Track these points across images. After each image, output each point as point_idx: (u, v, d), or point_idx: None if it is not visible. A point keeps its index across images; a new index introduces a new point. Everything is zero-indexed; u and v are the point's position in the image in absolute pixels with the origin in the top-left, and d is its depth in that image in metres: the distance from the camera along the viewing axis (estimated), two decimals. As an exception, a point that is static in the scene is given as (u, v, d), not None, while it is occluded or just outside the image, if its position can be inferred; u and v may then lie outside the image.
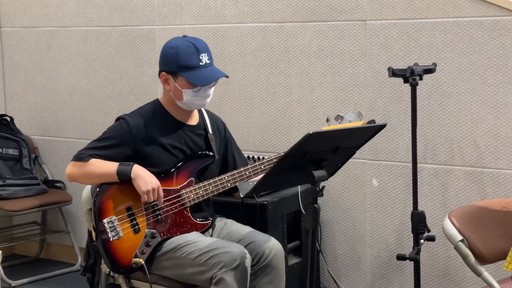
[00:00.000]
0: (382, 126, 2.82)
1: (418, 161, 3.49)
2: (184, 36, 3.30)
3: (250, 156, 4.04)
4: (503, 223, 2.90)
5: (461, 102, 3.71)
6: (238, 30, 4.32)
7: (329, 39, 4.03)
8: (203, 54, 3.22)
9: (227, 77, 3.27)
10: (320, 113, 4.08)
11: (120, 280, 3.29)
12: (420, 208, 3.51)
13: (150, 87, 4.65)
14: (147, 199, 3.18)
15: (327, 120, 3.21)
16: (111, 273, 3.31)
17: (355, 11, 3.93)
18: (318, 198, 2.70)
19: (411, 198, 3.48)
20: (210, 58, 3.25)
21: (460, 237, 2.78)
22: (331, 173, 2.82)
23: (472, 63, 3.66)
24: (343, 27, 3.98)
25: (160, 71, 3.28)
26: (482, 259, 2.81)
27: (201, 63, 3.21)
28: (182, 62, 3.20)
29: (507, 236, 2.86)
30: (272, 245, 3.25)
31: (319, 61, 4.08)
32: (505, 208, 2.92)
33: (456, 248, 2.78)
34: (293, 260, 3.88)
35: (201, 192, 3.27)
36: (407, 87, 3.49)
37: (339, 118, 3.21)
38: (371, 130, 2.84)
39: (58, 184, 5.03)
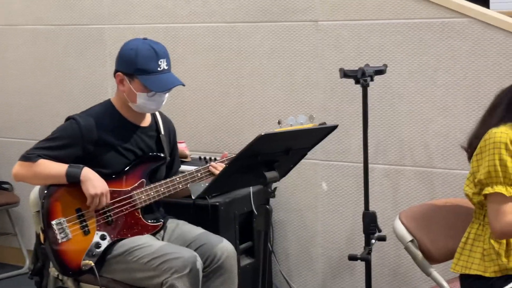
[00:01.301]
0: (333, 127, 2.82)
1: (369, 162, 3.51)
2: (145, 39, 3.26)
3: (202, 157, 4.02)
4: (451, 223, 2.93)
5: (411, 103, 3.74)
6: (190, 30, 4.30)
7: (281, 40, 4.03)
8: (162, 60, 3.19)
9: (183, 85, 3.25)
10: (272, 114, 4.08)
11: (69, 283, 3.25)
12: (371, 208, 3.53)
13: (100, 87, 4.60)
14: (92, 203, 3.14)
15: (279, 123, 3.21)
16: (60, 276, 3.26)
17: (307, 11, 3.94)
18: (270, 199, 2.70)
19: (363, 198, 3.50)
20: (168, 64, 3.22)
21: (410, 238, 2.80)
22: (283, 174, 2.81)
23: (422, 64, 3.69)
24: (295, 27, 3.99)
25: (116, 71, 3.24)
26: (432, 259, 2.84)
27: (159, 69, 3.18)
28: (140, 65, 3.16)
29: (455, 236, 2.88)
30: (224, 246, 3.24)
31: (271, 62, 4.07)
32: (453, 208, 2.95)
33: (407, 249, 2.80)
34: (245, 261, 3.87)
35: (152, 193, 3.24)
36: (358, 88, 3.50)
37: (290, 121, 3.22)
38: (322, 131, 2.85)
39: (5, 186, 4.94)
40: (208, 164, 3.28)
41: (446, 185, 3.68)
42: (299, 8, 3.96)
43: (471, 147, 2.70)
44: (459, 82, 3.61)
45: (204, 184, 3.21)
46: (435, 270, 2.77)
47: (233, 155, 2.76)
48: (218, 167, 3.25)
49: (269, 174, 2.64)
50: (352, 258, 3.47)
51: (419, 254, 2.78)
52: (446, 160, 3.68)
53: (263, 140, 2.53)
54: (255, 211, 3.80)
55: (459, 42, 3.59)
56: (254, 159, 2.62)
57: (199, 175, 3.27)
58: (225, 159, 3.33)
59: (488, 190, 2.57)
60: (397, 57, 3.75)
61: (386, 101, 3.80)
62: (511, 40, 3.46)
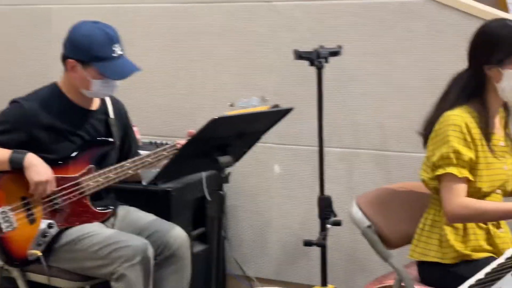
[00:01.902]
0: (288, 110, 2.76)
1: (324, 145, 3.44)
2: (95, 22, 3.14)
3: (153, 141, 3.91)
4: (408, 208, 2.88)
5: (367, 85, 3.68)
6: (140, 11, 4.17)
7: (234, 21, 3.94)
8: (116, 45, 3.09)
9: (140, 70, 3.15)
10: (224, 97, 3.97)
11: (15, 273, 3.13)
12: (326, 192, 3.47)
13: (47, 70, 4.44)
14: (36, 191, 3.01)
15: (231, 105, 3.12)
16: (5, 266, 3.13)
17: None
18: (224, 184, 2.62)
19: (318, 182, 3.43)
20: (122, 48, 3.12)
21: (367, 223, 2.74)
22: (237, 158, 2.74)
23: (378, 45, 3.63)
24: (248, 8, 3.89)
25: (66, 57, 3.11)
26: (389, 244, 2.78)
27: (113, 54, 3.07)
28: (95, 52, 3.05)
29: (412, 221, 2.83)
30: (177, 234, 3.15)
31: (223, 43, 3.98)
32: (410, 193, 2.90)
33: (364, 234, 2.74)
34: (198, 248, 3.80)
35: (101, 180, 3.13)
36: (313, 70, 3.43)
37: (242, 103, 3.13)
38: (277, 115, 2.78)
39: None
40: (160, 148, 3.17)
41: (402, 168, 3.64)
42: (251, -12, 3.87)
43: (426, 132, 2.65)
44: (416, 64, 3.56)
45: (155, 170, 3.10)
46: (392, 255, 2.71)
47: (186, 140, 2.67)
48: None
49: (223, 159, 2.59)
50: (308, 243, 3.41)
51: (376, 239, 2.72)
52: (401, 143, 3.63)
53: (216, 124, 2.46)
54: (208, 197, 3.72)
55: (416, 23, 3.54)
56: (207, 144, 2.54)
57: (149, 160, 3.16)
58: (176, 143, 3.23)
59: (440, 171, 2.52)
60: (352, 38, 3.68)
61: (341, 83, 3.74)
62: (467, 21, 3.41)
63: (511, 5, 4.76)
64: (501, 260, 1.89)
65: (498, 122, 2.66)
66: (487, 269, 1.80)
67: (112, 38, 3.09)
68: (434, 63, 3.51)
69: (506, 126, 2.70)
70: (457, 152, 2.50)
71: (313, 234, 3.79)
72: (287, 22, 3.80)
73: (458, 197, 2.51)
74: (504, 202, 2.58)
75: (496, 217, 2.57)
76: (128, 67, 3.14)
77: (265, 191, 3.99)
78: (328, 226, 3.45)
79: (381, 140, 3.67)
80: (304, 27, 3.77)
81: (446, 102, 2.60)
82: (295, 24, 3.79)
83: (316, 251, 3.74)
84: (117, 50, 3.10)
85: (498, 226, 2.61)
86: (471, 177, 2.53)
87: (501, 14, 3.40)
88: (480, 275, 1.77)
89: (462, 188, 2.52)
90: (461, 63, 3.38)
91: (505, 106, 2.68)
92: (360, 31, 3.66)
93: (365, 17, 3.64)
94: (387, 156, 3.67)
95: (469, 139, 2.51)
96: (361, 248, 3.76)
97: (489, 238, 2.57)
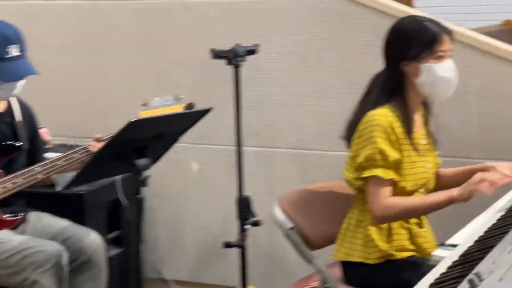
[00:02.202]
0: (206, 111, 2.70)
1: (241, 144, 3.39)
2: None
3: (64, 143, 3.79)
4: (330, 208, 2.86)
5: (284, 84, 3.65)
6: (47, 8, 4.02)
7: (148, 19, 3.84)
8: (12, 46, 2.94)
9: (36, 74, 3.00)
10: (139, 97, 3.86)
11: None
12: (244, 192, 3.42)
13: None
14: None
15: (144, 105, 3.02)
16: None
17: (174, -11, 3.77)
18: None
19: (236, 182, 3.38)
20: (22, 49, 2.97)
21: (290, 225, 2.70)
22: (154, 160, 2.66)
23: (295, 44, 3.61)
24: (162, 6, 3.80)
25: None
26: (312, 245, 2.75)
27: (6, 56, 2.93)
28: None
29: (335, 221, 2.82)
30: (92, 239, 3.05)
31: (137, 42, 3.89)
32: (332, 192, 2.88)
33: (287, 236, 2.70)
34: (114, 251, 3.69)
35: (9, 185, 2.98)
36: (229, 69, 3.37)
37: (155, 102, 3.04)
38: (196, 115, 2.72)
39: None
40: (71, 151, 3.05)
41: (320, 166, 3.62)
42: (166, -15, 3.78)
43: (349, 134, 2.63)
44: (332, 62, 3.55)
45: (70, 175, 2.98)
46: (315, 257, 2.68)
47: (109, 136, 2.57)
48: (98, 145, 2.99)
49: (140, 162, 2.51)
50: (227, 245, 3.35)
51: (299, 241, 2.68)
52: (319, 142, 3.62)
53: (134, 127, 2.38)
54: (123, 199, 3.62)
55: (332, 22, 3.52)
56: (124, 146, 2.45)
57: (60, 163, 3.03)
58: (106, 137, 3.09)
59: (367, 173, 2.51)
60: (269, 36, 3.64)
61: (258, 81, 3.70)
62: (384, 20, 3.41)
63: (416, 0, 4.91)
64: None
65: (419, 120, 2.67)
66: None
67: (8, 38, 2.95)
68: (350, 62, 3.51)
69: (427, 124, 2.71)
70: (382, 153, 2.49)
71: (232, 235, 3.74)
72: (202, 20, 3.73)
73: (385, 199, 2.50)
74: (428, 195, 2.58)
75: (424, 211, 2.56)
76: (23, 69, 2.99)
77: (182, 192, 3.92)
78: (247, 226, 3.41)
79: (298, 139, 3.65)
80: (220, 25, 3.71)
81: (368, 103, 2.58)
82: (210, 22, 3.72)
83: (234, 252, 3.68)
84: (13, 51, 2.95)
85: (420, 225, 2.61)
86: (397, 178, 2.53)
87: (414, 12, 3.42)
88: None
89: (389, 189, 2.52)
90: (377, 61, 3.40)
91: (424, 103, 2.69)
92: (277, 29, 3.62)
93: (281, 16, 3.60)
94: (305, 154, 3.65)
95: (393, 138, 2.50)
96: (280, 248, 3.73)
97: (412, 238, 2.57)
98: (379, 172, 2.50)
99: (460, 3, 6.15)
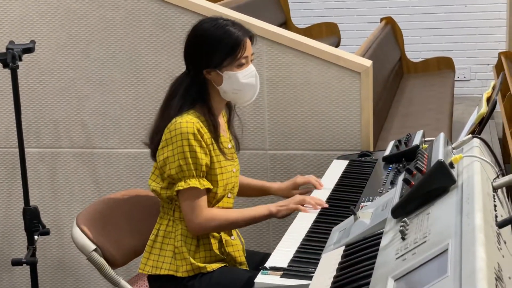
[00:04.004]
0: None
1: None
2: None
3: None
4: (130, 218, 2.71)
5: (63, 79, 3.41)
6: None
7: None
8: None
9: None
10: None
11: None
12: (29, 196, 3.18)
13: None
14: None
15: None
16: None
17: None
18: None
19: (16, 188, 3.12)
20: None
21: (93, 247, 2.50)
22: None
23: (72, 36, 3.37)
24: None
25: None
26: (117, 264, 2.59)
27: None
28: None
29: (136, 232, 2.69)
30: None
31: None
32: (135, 202, 2.73)
33: (90, 259, 2.51)
34: None
35: None
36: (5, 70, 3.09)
37: None
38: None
39: None
40: None
41: (108, 165, 3.45)
42: None
43: (153, 143, 2.49)
44: (115, 55, 3.36)
45: None
46: (122, 279, 2.52)
47: None
48: None
49: None
50: (17, 263, 3.11)
51: (104, 263, 2.50)
52: (106, 140, 3.43)
53: None
54: None
55: (111, 13, 3.32)
56: None
57: None
58: None
59: (181, 185, 2.39)
60: (43, 29, 3.37)
61: (34, 78, 3.43)
62: (166, 10, 3.28)
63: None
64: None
65: (223, 124, 2.59)
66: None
67: None
68: (134, 54, 3.34)
69: (230, 127, 2.64)
70: (195, 163, 2.38)
71: (18, 247, 3.50)
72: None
73: (203, 210, 2.41)
74: (246, 208, 2.53)
75: (242, 224, 2.52)
76: None
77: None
78: (36, 237, 3.18)
79: (84, 137, 3.44)
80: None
81: (171, 110, 2.45)
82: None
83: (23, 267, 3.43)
84: None
85: (230, 234, 2.55)
86: (211, 187, 2.44)
87: (198, 1, 3.31)
88: None
89: (204, 199, 2.43)
90: (162, 53, 3.28)
91: (227, 105, 2.61)
92: (51, 21, 3.36)
93: (55, 6, 3.34)
94: (91, 153, 3.45)
95: (204, 145, 2.40)
96: (69, 253, 3.54)
97: (222, 247, 2.50)
98: (194, 182, 2.40)
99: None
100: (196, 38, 2.48)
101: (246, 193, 2.79)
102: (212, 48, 2.44)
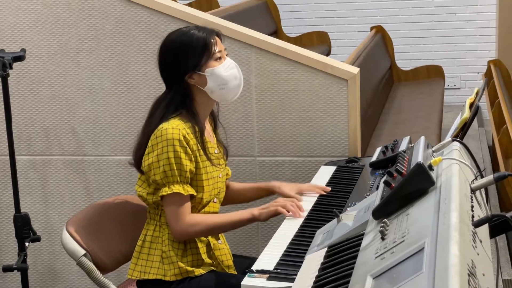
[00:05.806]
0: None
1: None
2: None
3: None
4: (120, 223, 2.74)
5: (54, 87, 3.45)
6: None
7: None
8: None
9: None
10: None
11: None
12: (20, 204, 3.21)
13: None
14: None
15: None
16: None
17: None
18: None
19: (6, 195, 3.15)
20: None
21: (82, 252, 2.53)
22: None
23: (63, 45, 3.41)
24: None
25: None
26: (106, 269, 2.62)
27: None
28: None
29: (126, 237, 2.71)
30: None
31: None
32: (124, 207, 2.76)
33: (79, 264, 2.54)
34: None
35: None
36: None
37: None
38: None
39: None
40: None
41: (99, 172, 3.48)
42: None
43: (137, 159, 2.53)
44: (105, 63, 3.40)
45: None
46: (112, 284, 2.55)
47: None
48: None
49: None
50: (8, 269, 3.13)
51: (93, 268, 2.53)
52: (97, 147, 3.47)
53: None
54: None
55: (102, 21, 3.36)
56: None
57: None
58: None
59: (165, 190, 2.43)
60: (33, 38, 3.41)
61: (25, 86, 3.46)
62: (155, 19, 3.32)
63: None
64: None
65: (209, 129, 2.63)
66: None
67: None
68: (124, 62, 3.38)
69: (215, 132, 2.67)
70: (179, 169, 2.42)
71: (8, 254, 3.52)
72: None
73: (186, 216, 2.44)
74: (229, 213, 2.55)
75: (226, 229, 2.55)
76: None
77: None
78: (27, 244, 3.21)
79: (75, 145, 3.47)
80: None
81: (151, 125, 2.49)
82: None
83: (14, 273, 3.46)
84: None
85: (217, 238, 2.58)
86: (195, 193, 2.48)
87: (187, 10, 3.35)
88: None
89: (188, 205, 2.46)
90: (151, 62, 3.32)
91: (211, 113, 2.65)
92: (41, 30, 3.40)
93: (45, 15, 3.38)
94: (82, 161, 3.48)
95: (189, 151, 2.44)
96: (60, 258, 3.56)
97: (209, 251, 2.53)
98: (178, 188, 2.43)
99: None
100: (167, 51, 2.53)
101: (246, 196, 2.81)
102: (185, 53, 2.49)
